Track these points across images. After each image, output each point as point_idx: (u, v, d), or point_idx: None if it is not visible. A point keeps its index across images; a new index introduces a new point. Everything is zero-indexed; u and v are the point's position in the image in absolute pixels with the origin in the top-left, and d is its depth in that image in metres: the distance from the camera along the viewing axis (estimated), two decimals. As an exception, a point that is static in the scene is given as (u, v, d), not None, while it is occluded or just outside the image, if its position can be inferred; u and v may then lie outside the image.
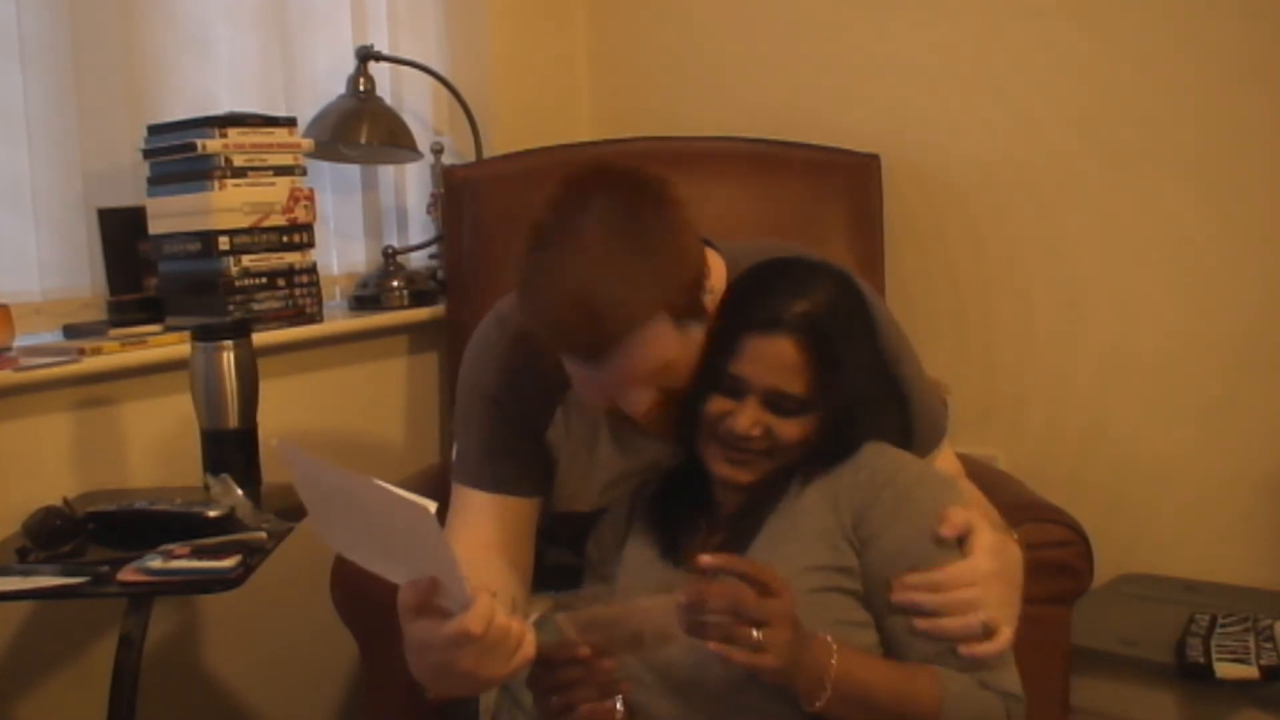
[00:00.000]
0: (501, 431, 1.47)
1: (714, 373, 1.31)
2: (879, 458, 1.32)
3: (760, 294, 1.32)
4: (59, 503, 1.63)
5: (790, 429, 1.29)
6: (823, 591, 1.25)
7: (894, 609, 1.26)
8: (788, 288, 1.31)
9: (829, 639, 1.20)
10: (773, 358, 1.28)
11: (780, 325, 1.28)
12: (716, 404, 1.31)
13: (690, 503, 1.39)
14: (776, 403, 1.28)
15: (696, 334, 1.31)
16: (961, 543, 1.29)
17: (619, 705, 1.18)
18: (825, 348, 1.28)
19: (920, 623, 1.25)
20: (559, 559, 1.59)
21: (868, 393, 1.33)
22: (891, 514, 1.27)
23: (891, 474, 1.30)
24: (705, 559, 1.14)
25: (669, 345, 1.27)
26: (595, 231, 1.24)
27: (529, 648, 1.11)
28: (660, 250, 1.25)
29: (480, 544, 1.41)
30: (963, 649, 1.25)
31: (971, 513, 1.31)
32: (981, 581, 1.27)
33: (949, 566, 1.27)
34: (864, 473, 1.30)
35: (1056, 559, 1.56)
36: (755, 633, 1.12)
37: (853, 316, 1.33)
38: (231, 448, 1.79)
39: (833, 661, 1.18)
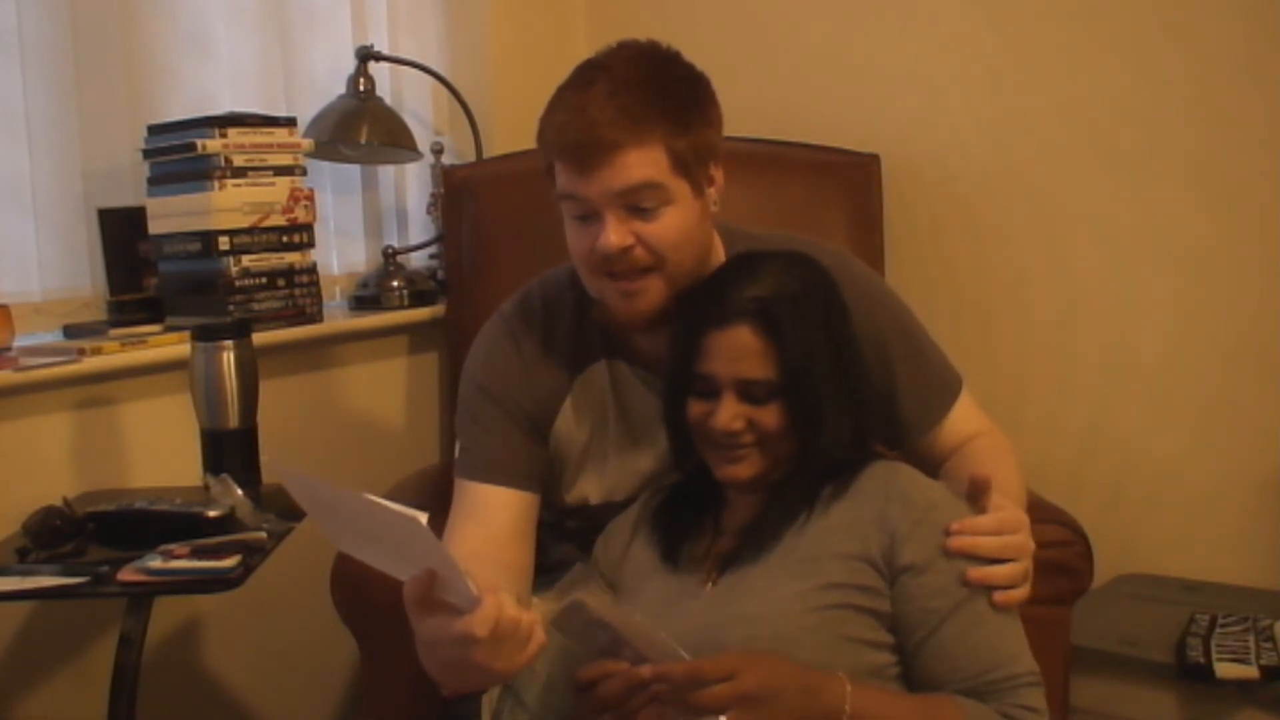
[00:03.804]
0: (505, 426, 1.48)
1: (685, 378, 1.33)
2: (911, 487, 1.30)
3: (712, 292, 1.33)
4: (59, 503, 1.64)
5: (769, 416, 1.29)
6: (835, 609, 1.24)
7: (950, 555, 1.25)
8: (737, 279, 1.32)
9: (844, 679, 1.19)
10: (733, 348, 1.29)
11: (733, 315, 1.29)
12: (695, 408, 1.32)
13: (695, 510, 1.39)
14: (748, 391, 1.29)
15: (687, 207, 1.37)
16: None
17: None
18: (780, 327, 1.28)
19: (974, 573, 1.24)
20: (564, 555, 1.59)
21: (830, 371, 1.31)
22: (926, 543, 1.26)
23: (924, 505, 1.28)
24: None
25: (655, 176, 1.33)
26: (622, 62, 1.36)
27: (540, 635, 1.12)
28: (676, 93, 1.36)
29: (483, 538, 1.42)
30: (998, 596, 1.25)
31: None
32: (1025, 528, 1.29)
33: (1003, 511, 1.28)
34: (895, 504, 1.28)
35: (1056, 559, 1.55)
36: (722, 718, 1.12)
37: (805, 293, 1.32)
38: (231, 448, 1.79)
39: (846, 707, 1.17)
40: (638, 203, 1.34)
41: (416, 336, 2.39)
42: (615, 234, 1.34)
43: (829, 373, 1.31)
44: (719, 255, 1.47)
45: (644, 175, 1.33)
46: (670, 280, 1.38)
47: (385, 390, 2.35)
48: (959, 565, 1.26)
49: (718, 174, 1.42)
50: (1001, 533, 1.27)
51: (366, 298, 2.36)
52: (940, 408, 1.51)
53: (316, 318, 2.15)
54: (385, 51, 2.40)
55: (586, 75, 1.37)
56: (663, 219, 1.35)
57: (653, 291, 1.38)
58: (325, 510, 1.14)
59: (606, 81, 1.34)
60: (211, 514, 1.60)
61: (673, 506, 1.41)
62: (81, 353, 1.82)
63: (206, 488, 1.71)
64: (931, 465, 1.48)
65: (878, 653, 1.25)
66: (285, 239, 2.09)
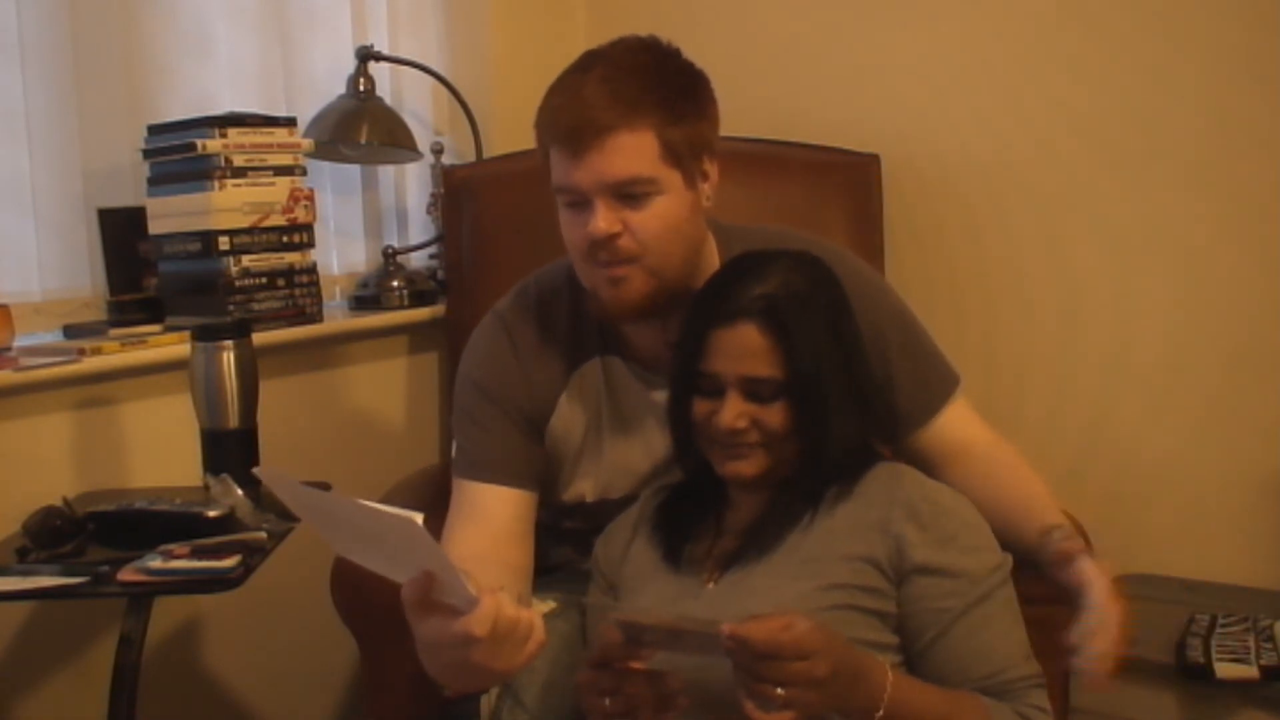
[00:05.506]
0: (503, 425, 1.48)
1: (690, 376, 1.32)
2: (916, 491, 1.30)
3: (720, 290, 1.33)
4: (59, 503, 1.63)
5: (774, 415, 1.29)
6: (838, 609, 1.24)
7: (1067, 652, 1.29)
8: (744, 278, 1.32)
9: (886, 666, 1.19)
10: (738, 346, 1.29)
11: (739, 313, 1.29)
12: (700, 406, 1.32)
13: (696, 510, 1.39)
14: (753, 390, 1.29)
15: (678, 198, 1.37)
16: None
17: None
18: (787, 326, 1.28)
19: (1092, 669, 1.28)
20: (563, 557, 1.59)
21: (836, 370, 1.31)
22: (934, 545, 1.26)
23: (930, 510, 1.28)
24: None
25: (646, 165, 1.34)
26: (622, 51, 1.39)
27: (540, 634, 1.12)
28: (672, 84, 1.37)
29: (482, 537, 1.42)
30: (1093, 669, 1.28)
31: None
32: (1118, 610, 1.32)
33: (1099, 610, 1.30)
34: (900, 509, 1.28)
35: (1057, 559, 1.55)
36: (779, 690, 1.10)
37: (812, 293, 1.32)
38: (231, 448, 1.78)
39: (885, 694, 1.17)
40: (627, 190, 1.35)
41: (416, 336, 2.39)
42: (604, 220, 1.35)
43: (835, 372, 1.31)
44: (712, 252, 1.47)
45: (634, 160, 1.34)
46: (654, 271, 1.38)
47: (385, 390, 2.35)
48: (968, 566, 1.26)
49: (712, 169, 1.43)
50: (1108, 628, 1.30)
51: (366, 298, 2.36)
52: (937, 400, 1.51)
53: (316, 318, 2.15)
54: (385, 51, 2.40)
55: (585, 61, 1.38)
56: (652, 207, 1.36)
57: (635, 280, 1.38)
58: (320, 515, 1.14)
59: (604, 68, 1.35)
60: (211, 514, 1.60)
61: (674, 506, 1.41)
62: (81, 353, 1.82)
63: (206, 488, 1.71)
64: (925, 465, 1.47)
65: (882, 653, 1.25)
66: (285, 239, 2.09)
